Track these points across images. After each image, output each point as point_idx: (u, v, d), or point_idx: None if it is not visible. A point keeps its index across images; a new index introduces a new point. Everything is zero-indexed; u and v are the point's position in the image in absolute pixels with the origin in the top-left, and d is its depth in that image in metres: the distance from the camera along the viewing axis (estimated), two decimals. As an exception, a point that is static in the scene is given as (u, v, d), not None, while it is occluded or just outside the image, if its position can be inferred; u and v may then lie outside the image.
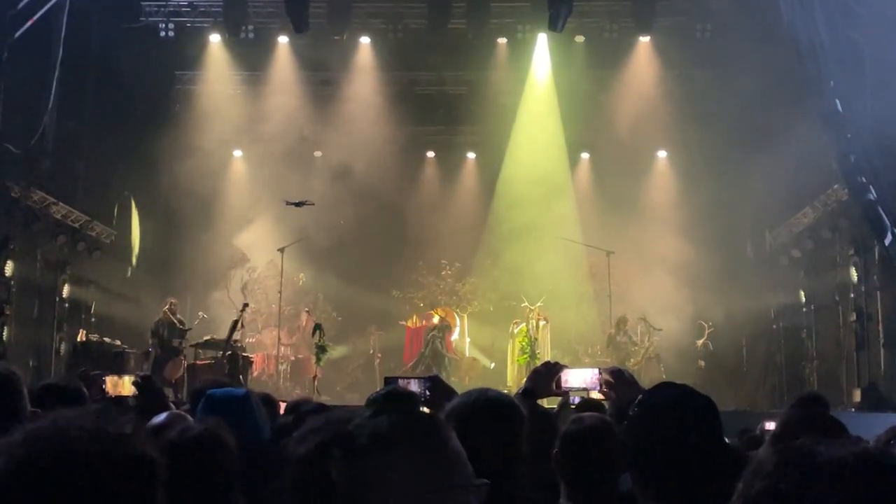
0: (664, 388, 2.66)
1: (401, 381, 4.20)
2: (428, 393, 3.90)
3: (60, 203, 17.28)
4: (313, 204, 17.08)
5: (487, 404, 2.78)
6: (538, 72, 21.03)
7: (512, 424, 2.74)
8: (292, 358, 18.59)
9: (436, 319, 19.63)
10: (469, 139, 22.15)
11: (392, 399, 1.78)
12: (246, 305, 16.83)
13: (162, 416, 3.60)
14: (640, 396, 2.70)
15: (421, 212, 21.04)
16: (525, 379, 3.79)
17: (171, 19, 20.34)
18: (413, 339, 20.02)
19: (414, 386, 4.09)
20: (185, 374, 15.60)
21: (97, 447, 1.38)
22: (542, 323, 18.64)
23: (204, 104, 20.62)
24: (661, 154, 21.11)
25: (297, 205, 16.66)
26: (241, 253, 19.68)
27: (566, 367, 3.72)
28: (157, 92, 20.23)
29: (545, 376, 3.66)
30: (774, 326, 18.53)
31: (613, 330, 17.96)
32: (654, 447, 2.41)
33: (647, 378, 17.04)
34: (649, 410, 2.56)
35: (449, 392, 3.66)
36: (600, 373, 3.58)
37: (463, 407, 2.79)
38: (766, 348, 18.79)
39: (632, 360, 17.53)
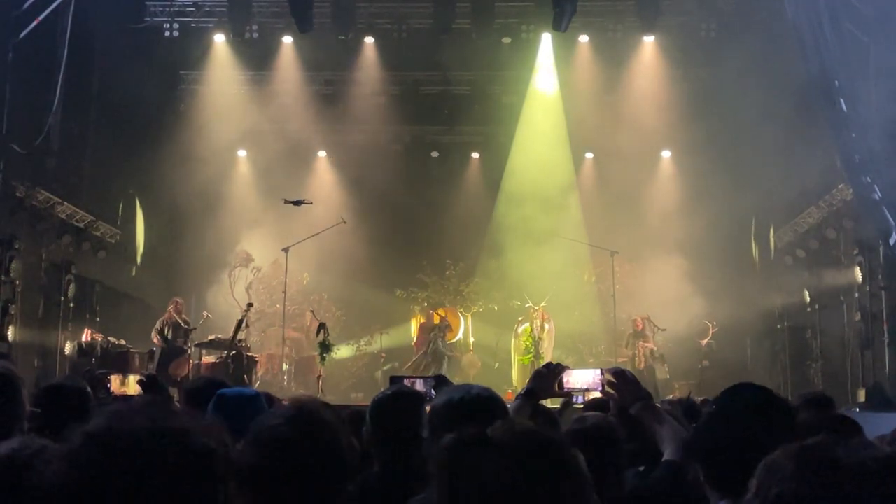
0: (745, 388, 2.73)
1: (406, 381, 4.21)
2: (433, 392, 3.92)
3: (65, 203, 17.31)
4: (311, 203, 17.09)
5: (471, 402, 2.79)
6: (543, 72, 21.02)
7: (495, 421, 2.75)
8: (296, 357, 18.60)
9: (436, 320, 19.66)
10: (473, 139, 22.15)
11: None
12: (250, 305, 16.85)
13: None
14: (721, 392, 2.75)
15: (425, 211, 21.05)
16: (528, 379, 3.79)
17: (176, 19, 20.34)
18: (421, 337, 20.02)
19: (419, 385, 4.11)
20: (190, 374, 15.62)
21: (160, 445, 1.39)
22: (546, 325, 18.63)
23: (208, 104, 20.64)
24: (666, 154, 21.09)
25: (296, 203, 16.68)
26: (246, 253, 19.69)
27: (568, 367, 3.73)
28: (161, 92, 20.23)
29: (547, 377, 3.67)
30: (779, 326, 18.50)
31: (631, 331, 18.00)
32: (732, 445, 2.47)
33: (651, 378, 17.08)
34: (730, 409, 2.63)
35: (453, 391, 3.67)
36: (602, 373, 3.59)
37: (446, 404, 2.81)
38: (770, 348, 18.76)
39: (647, 359, 17.57)
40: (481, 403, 2.79)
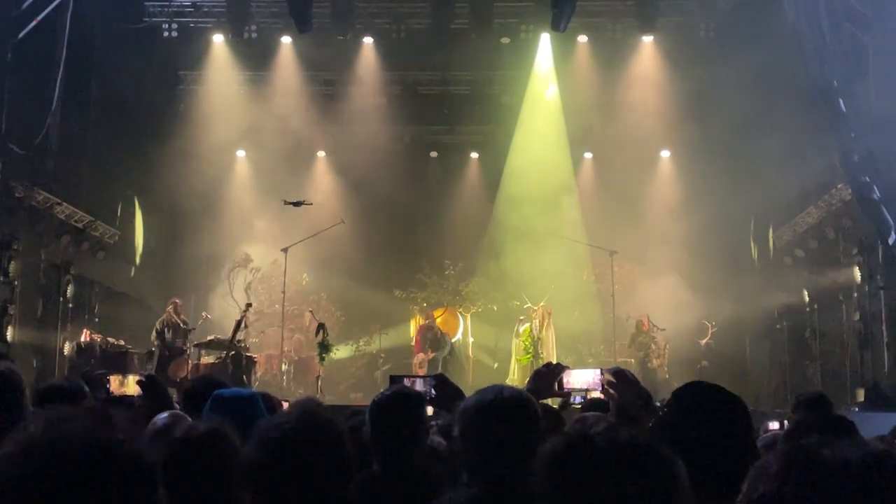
0: (695, 386, 2.68)
1: (406, 381, 4.20)
2: (433, 392, 3.91)
3: (64, 203, 17.30)
4: (311, 204, 17.09)
5: (504, 403, 2.78)
6: (541, 72, 21.02)
7: (529, 422, 2.74)
8: (296, 358, 18.60)
9: (439, 321, 19.66)
10: (472, 139, 22.16)
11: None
12: (249, 305, 16.85)
13: (164, 416, 3.61)
14: (673, 392, 2.72)
15: (424, 212, 21.05)
16: (527, 379, 3.79)
17: (175, 19, 20.35)
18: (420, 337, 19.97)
19: (419, 385, 4.10)
20: (189, 374, 15.61)
21: (92, 454, 1.36)
22: (545, 325, 18.62)
23: (207, 104, 20.63)
24: (665, 154, 21.09)
25: (296, 204, 16.67)
26: (245, 253, 19.69)
27: (568, 367, 3.72)
28: (160, 92, 20.25)
29: (547, 377, 3.66)
30: (778, 326, 18.51)
31: (635, 330, 18.00)
32: (685, 445, 2.43)
33: (650, 378, 17.07)
34: (681, 408, 2.58)
35: (455, 391, 3.67)
36: (602, 373, 3.58)
37: (479, 405, 2.79)
38: (769, 348, 18.77)
39: (655, 360, 17.56)
40: (513, 405, 2.77)
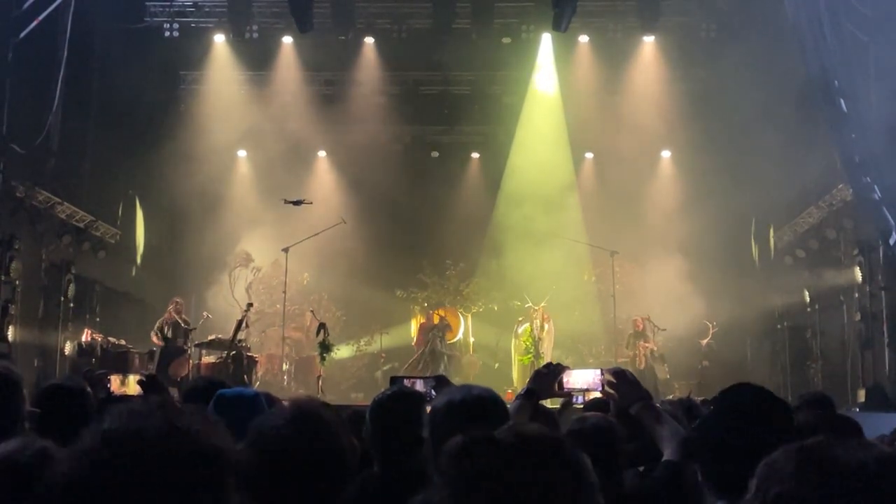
0: (743, 388, 2.72)
1: (406, 381, 4.20)
2: (433, 392, 3.91)
3: (65, 203, 17.31)
4: (311, 203, 17.08)
5: (473, 402, 2.79)
6: (542, 72, 21.02)
7: (498, 421, 2.76)
8: (297, 358, 18.60)
9: (436, 320, 19.68)
10: (473, 139, 22.16)
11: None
12: (250, 305, 16.84)
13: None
14: (720, 392, 2.75)
15: (425, 212, 21.04)
16: (528, 380, 3.79)
17: (176, 19, 20.35)
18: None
19: (419, 385, 4.10)
20: (190, 374, 15.62)
21: (172, 445, 1.39)
22: (546, 325, 18.63)
23: (208, 104, 20.64)
24: (666, 154, 21.08)
25: (296, 203, 16.67)
26: (246, 253, 19.69)
27: (568, 368, 3.73)
28: (161, 92, 20.24)
29: (547, 377, 3.67)
30: (779, 326, 18.51)
31: (631, 331, 18.00)
32: (730, 444, 2.46)
33: (652, 378, 17.07)
34: (728, 410, 2.62)
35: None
36: (603, 374, 3.59)
37: (448, 405, 2.80)
38: (770, 348, 18.77)
39: (649, 359, 17.57)
40: (482, 404, 2.80)
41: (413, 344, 20.10)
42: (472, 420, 2.71)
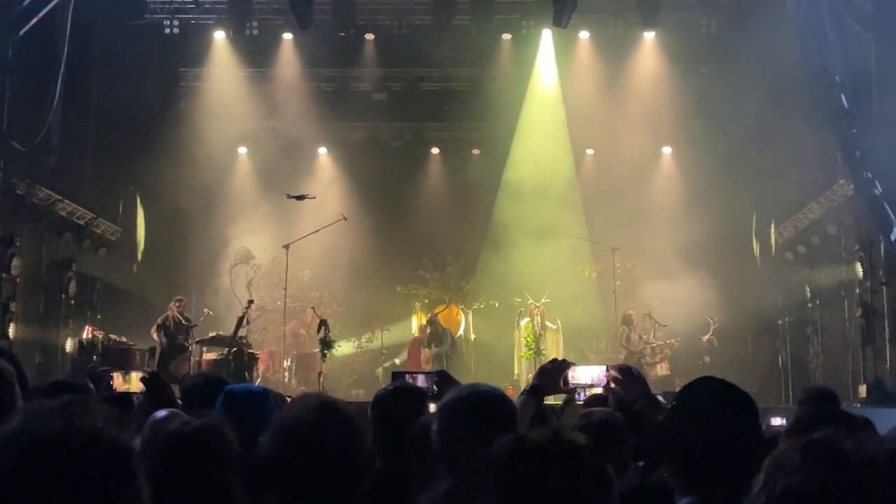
0: (704, 382, 2.68)
1: (408, 377, 4.20)
2: (435, 388, 3.91)
3: (66, 200, 17.31)
4: (314, 197, 17.07)
5: (478, 399, 2.79)
6: (543, 68, 20.99)
7: (502, 419, 2.76)
8: (298, 354, 18.60)
9: (441, 318, 19.68)
10: (474, 135, 22.13)
11: None
12: (251, 302, 16.84)
13: (163, 412, 3.61)
14: (682, 387, 2.72)
15: (425, 208, 21.04)
16: (532, 375, 3.79)
17: (176, 16, 20.34)
18: (416, 348, 19.86)
19: (421, 381, 4.10)
20: (192, 371, 15.62)
21: (66, 445, 1.37)
22: (549, 324, 18.63)
23: (209, 101, 20.62)
24: (667, 150, 21.06)
25: (298, 198, 16.65)
26: (246, 250, 19.67)
27: (573, 364, 3.72)
28: (161, 89, 20.23)
29: (553, 373, 3.66)
30: (780, 322, 18.51)
31: (624, 326, 17.97)
32: (693, 440, 2.42)
33: (653, 374, 17.09)
34: (690, 403, 2.58)
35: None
36: (608, 370, 3.58)
37: (454, 401, 2.81)
38: (771, 344, 18.76)
39: (647, 356, 17.56)
40: (489, 401, 2.79)
41: (408, 349, 20.05)
42: (479, 417, 2.71)
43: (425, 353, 18.91)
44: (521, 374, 18.46)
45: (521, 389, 3.70)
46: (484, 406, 2.77)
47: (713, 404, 2.54)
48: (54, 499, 1.34)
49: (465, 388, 2.89)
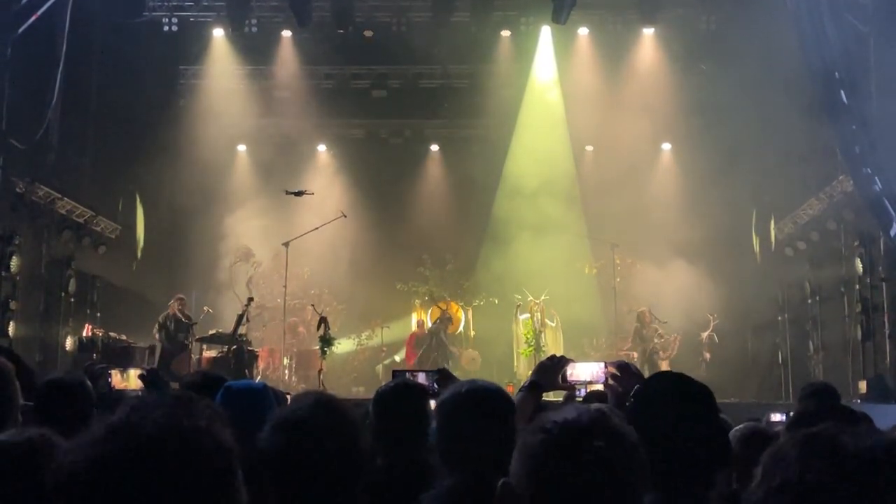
0: (660, 377, 2.67)
1: (408, 374, 4.21)
2: (436, 386, 3.92)
3: (65, 198, 17.30)
4: (312, 193, 17.08)
5: (477, 394, 2.79)
6: (542, 64, 20.99)
7: (501, 415, 2.76)
8: (297, 351, 18.60)
9: (437, 314, 19.69)
10: (473, 132, 22.13)
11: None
12: (251, 300, 16.83)
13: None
14: (636, 386, 2.70)
15: (425, 205, 21.04)
16: (531, 372, 3.79)
17: (175, 14, 20.33)
18: (414, 342, 19.86)
19: (422, 379, 4.11)
20: (192, 369, 15.61)
21: (174, 442, 1.39)
22: (548, 321, 18.63)
23: (208, 99, 20.63)
24: (666, 146, 21.06)
25: (297, 194, 16.65)
26: (246, 247, 19.68)
27: (572, 360, 3.72)
28: (160, 86, 20.22)
29: (551, 370, 3.67)
30: (780, 318, 18.51)
31: (638, 323, 17.96)
32: (652, 436, 2.40)
33: (653, 370, 17.09)
34: (646, 399, 2.57)
35: (457, 384, 3.67)
36: (606, 366, 3.58)
37: (453, 397, 2.81)
38: (771, 340, 18.76)
39: (662, 353, 17.53)
40: (488, 397, 2.79)
41: (406, 344, 20.07)
42: (478, 413, 2.71)
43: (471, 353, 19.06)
44: (521, 370, 18.46)
45: (520, 386, 3.70)
46: (483, 402, 2.77)
47: (670, 399, 2.51)
48: (155, 494, 1.34)
49: (464, 385, 2.89)
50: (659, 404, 2.50)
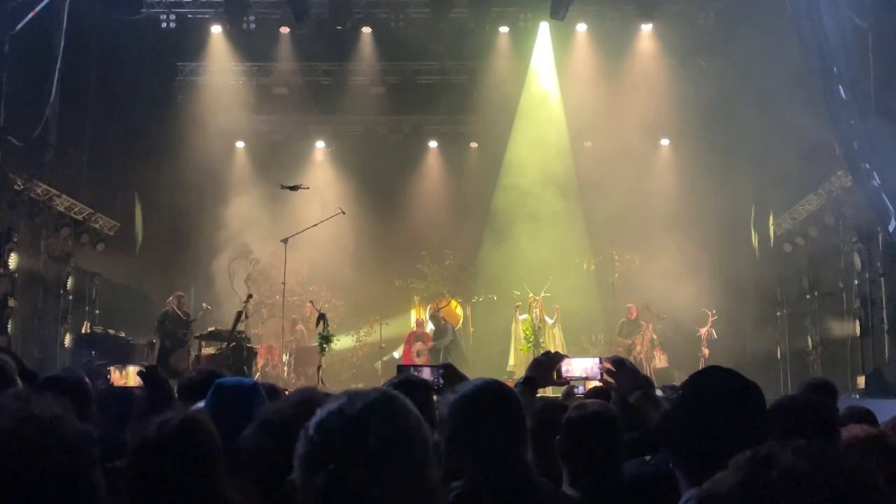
0: (713, 372, 2.65)
1: (413, 370, 4.20)
2: (441, 381, 3.91)
3: (63, 195, 17.28)
4: (308, 188, 17.08)
5: (483, 392, 2.79)
6: (540, 60, 20.98)
7: (513, 414, 2.75)
8: (296, 348, 18.60)
9: (443, 312, 19.69)
10: (472, 128, 22.13)
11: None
12: (250, 296, 16.80)
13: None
14: (688, 378, 2.69)
15: (424, 201, 21.05)
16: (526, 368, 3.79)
17: (173, 10, 20.32)
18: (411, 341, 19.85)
19: (427, 374, 4.09)
20: (191, 366, 15.61)
21: (25, 432, 1.39)
22: (547, 317, 18.64)
23: (206, 95, 20.63)
24: (665, 142, 21.06)
25: (292, 188, 16.66)
26: (245, 244, 19.68)
27: (567, 356, 3.72)
28: (159, 83, 20.21)
29: (546, 366, 3.66)
30: (778, 313, 18.52)
31: (624, 318, 17.96)
32: (700, 431, 2.40)
33: (651, 366, 17.10)
34: (696, 394, 2.56)
35: (462, 380, 3.66)
36: (602, 362, 3.58)
37: (460, 398, 2.80)
38: (770, 335, 18.77)
39: (639, 346, 17.56)
40: (493, 394, 2.79)
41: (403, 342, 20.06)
42: (482, 410, 2.70)
43: (417, 346, 18.92)
44: (517, 365, 18.47)
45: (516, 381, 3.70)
46: (488, 399, 2.76)
47: (720, 394, 2.50)
48: (13, 484, 1.34)
49: (468, 382, 2.87)
50: (708, 400, 2.50)
